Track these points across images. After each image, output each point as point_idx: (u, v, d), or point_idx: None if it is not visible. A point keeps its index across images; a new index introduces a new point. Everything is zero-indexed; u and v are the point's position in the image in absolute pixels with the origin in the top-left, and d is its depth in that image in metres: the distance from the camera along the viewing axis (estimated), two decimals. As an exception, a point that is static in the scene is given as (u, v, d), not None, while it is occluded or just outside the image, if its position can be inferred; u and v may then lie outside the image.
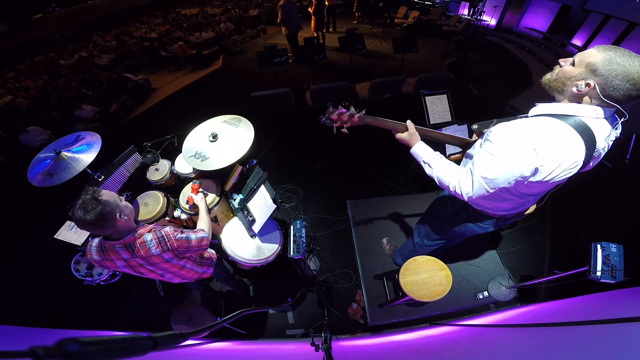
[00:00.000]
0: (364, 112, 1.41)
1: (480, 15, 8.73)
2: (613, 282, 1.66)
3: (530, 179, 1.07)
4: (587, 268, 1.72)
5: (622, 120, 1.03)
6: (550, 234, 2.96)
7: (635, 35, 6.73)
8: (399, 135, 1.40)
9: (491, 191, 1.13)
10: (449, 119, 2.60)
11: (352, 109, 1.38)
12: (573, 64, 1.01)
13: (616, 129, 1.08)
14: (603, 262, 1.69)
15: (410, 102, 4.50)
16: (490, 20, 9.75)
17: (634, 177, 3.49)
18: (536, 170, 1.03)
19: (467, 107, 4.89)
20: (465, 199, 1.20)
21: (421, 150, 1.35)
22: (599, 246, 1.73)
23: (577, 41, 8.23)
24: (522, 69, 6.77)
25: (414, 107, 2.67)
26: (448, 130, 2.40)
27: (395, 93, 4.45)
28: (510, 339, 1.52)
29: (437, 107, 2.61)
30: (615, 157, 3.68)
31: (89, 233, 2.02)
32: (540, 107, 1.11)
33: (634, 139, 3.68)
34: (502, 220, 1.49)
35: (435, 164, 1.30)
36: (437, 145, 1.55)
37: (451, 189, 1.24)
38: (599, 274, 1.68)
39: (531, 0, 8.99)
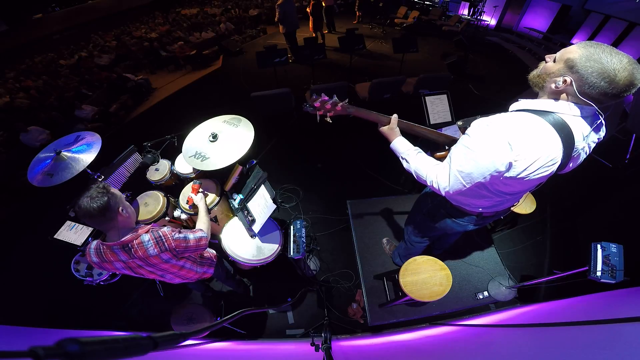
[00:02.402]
0: (347, 101, 1.42)
1: (480, 15, 8.73)
2: (613, 282, 1.66)
3: (506, 175, 1.06)
4: (587, 268, 1.72)
5: (599, 120, 1.02)
6: (550, 234, 2.96)
7: (635, 35, 6.73)
8: (382, 129, 1.43)
9: (467, 186, 1.13)
10: (449, 119, 2.60)
11: (335, 98, 1.40)
12: (554, 60, 1.01)
13: (599, 130, 1.07)
14: (603, 262, 1.69)
15: (410, 102, 4.50)
16: (490, 20, 9.74)
17: (634, 177, 3.49)
18: (510, 165, 1.02)
19: (467, 107, 4.89)
20: (443, 193, 1.20)
21: (400, 145, 1.37)
22: (599, 246, 1.73)
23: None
24: (522, 69, 6.77)
25: (414, 107, 2.67)
26: (448, 130, 2.40)
27: (395, 93, 4.45)
28: (510, 339, 1.52)
29: (437, 107, 2.61)
30: (615, 157, 3.68)
31: (89, 233, 2.02)
32: (521, 103, 1.11)
33: (634, 139, 3.68)
34: (480, 218, 1.49)
35: (412, 159, 1.31)
36: (438, 145, 1.56)
37: (429, 183, 1.24)
38: (599, 274, 1.68)
39: (531, 0, 8.98)
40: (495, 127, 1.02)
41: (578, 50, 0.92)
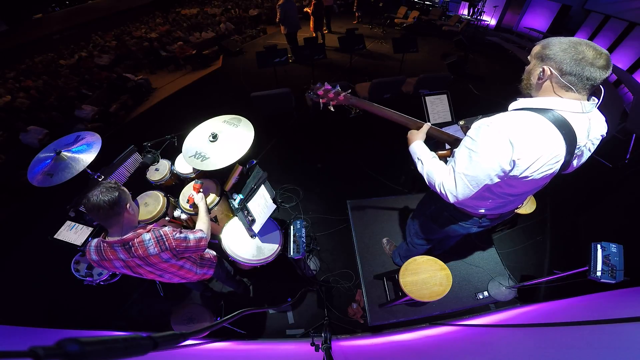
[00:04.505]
0: (349, 92, 1.47)
1: (480, 15, 8.73)
2: (613, 282, 1.66)
3: (510, 174, 1.07)
4: (587, 268, 1.72)
5: (598, 103, 1.04)
6: (550, 234, 2.96)
7: (635, 35, 6.71)
8: (410, 132, 1.46)
9: (475, 189, 1.12)
10: (449, 119, 2.60)
11: (338, 88, 1.46)
12: (529, 63, 1.10)
13: (601, 126, 1.09)
14: (603, 262, 1.69)
15: (410, 102, 4.50)
16: (490, 20, 9.73)
17: (634, 177, 3.49)
18: (514, 164, 1.03)
19: (467, 107, 4.89)
20: (451, 200, 1.18)
21: (418, 148, 1.37)
22: (599, 246, 1.73)
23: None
24: (522, 68, 6.76)
25: (414, 107, 2.66)
26: (448, 130, 2.40)
27: (395, 93, 4.45)
28: (510, 339, 1.52)
29: (437, 107, 2.61)
30: (615, 157, 3.68)
31: (89, 233, 2.02)
32: (520, 102, 1.12)
33: (634, 139, 3.68)
34: (484, 220, 1.49)
35: (427, 162, 1.30)
36: (438, 144, 1.56)
37: (437, 189, 1.23)
38: (599, 274, 1.68)
39: (531, 0, 8.98)
40: (497, 126, 1.03)
41: (539, 44, 1.05)
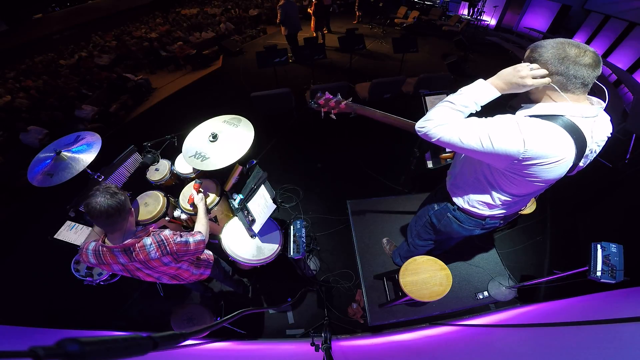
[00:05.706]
0: (351, 100, 1.48)
1: (480, 15, 8.73)
2: (613, 282, 1.66)
3: (513, 174, 1.08)
4: (587, 268, 1.72)
5: (603, 107, 1.03)
6: (550, 234, 2.96)
7: (635, 35, 6.71)
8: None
9: (448, 138, 1.08)
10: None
11: (339, 96, 1.47)
12: None
13: (606, 129, 1.10)
14: (603, 262, 1.69)
15: (410, 102, 4.50)
16: (490, 20, 9.73)
17: (634, 177, 3.49)
18: (518, 162, 1.03)
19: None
20: (422, 125, 1.16)
21: (479, 87, 1.17)
22: (599, 246, 1.73)
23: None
24: (522, 69, 6.75)
25: (414, 107, 2.67)
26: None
27: (395, 93, 4.45)
28: (510, 339, 1.52)
29: (437, 107, 2.61)
30: (615, 157, 3.68)
31: (89, 233, 2.02)
32: (527, 110, 1.10)
33: (634, 139, 3.68)
34: (487, 222, 1.48)
35: (455, 99, 1.18)
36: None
37: (424, 117, 1.19)
38: (599, 274, 1.68)
39: (531, 0, 8.98)
40: (512, 123, 1.02)
41: (529, 49, 1.09)
